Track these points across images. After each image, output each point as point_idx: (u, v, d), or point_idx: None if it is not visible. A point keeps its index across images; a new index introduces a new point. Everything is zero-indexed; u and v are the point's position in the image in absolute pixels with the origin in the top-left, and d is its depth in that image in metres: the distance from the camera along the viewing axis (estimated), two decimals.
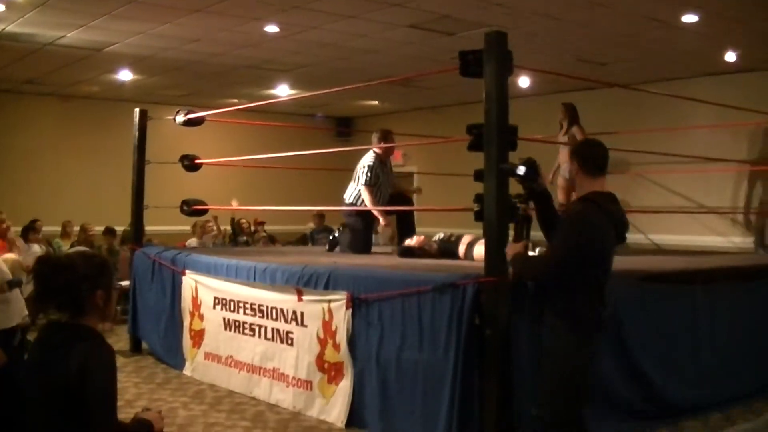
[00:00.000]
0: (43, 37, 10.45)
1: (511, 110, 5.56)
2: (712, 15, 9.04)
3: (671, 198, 12.37)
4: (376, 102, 15.81)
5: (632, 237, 12.30)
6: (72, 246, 12.95)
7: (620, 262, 4.82)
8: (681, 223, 11.92)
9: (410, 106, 16.47)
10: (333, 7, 8.91)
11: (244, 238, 14.10)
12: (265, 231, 14.80)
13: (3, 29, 9.98)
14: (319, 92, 11.21)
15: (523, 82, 12.65)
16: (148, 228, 12.42)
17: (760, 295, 7.36)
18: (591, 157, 4.63)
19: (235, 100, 15.87)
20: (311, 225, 15.23)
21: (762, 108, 10.03)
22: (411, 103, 15.67)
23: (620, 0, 8.57)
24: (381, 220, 8.65)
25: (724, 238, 11.77)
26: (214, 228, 13.89)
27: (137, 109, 9.82)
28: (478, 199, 5.54)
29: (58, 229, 13.68)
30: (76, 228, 13.59)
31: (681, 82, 12.24)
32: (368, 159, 8.78)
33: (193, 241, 13.45)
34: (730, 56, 10.97)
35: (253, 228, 14.73)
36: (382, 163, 8.79)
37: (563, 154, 9.48)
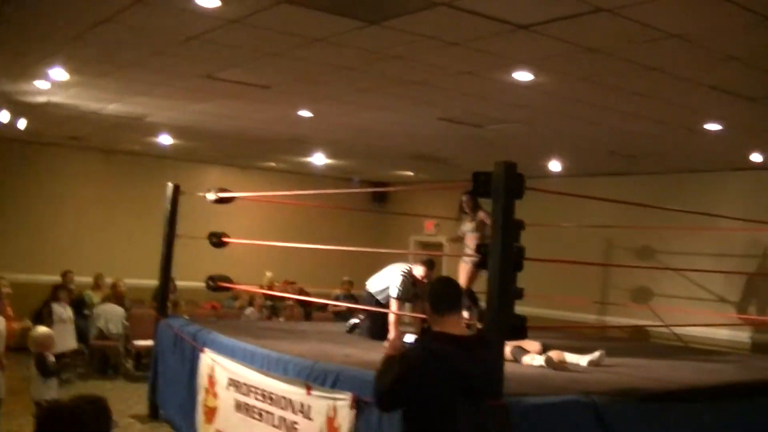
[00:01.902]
0: (86, 107, 10.79)
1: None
2: (735, 125, 9.15)
3: (694, 290, 12.29)
4: (411, 173, 16.04)
5: (654, 330, 12.35)
6: (103, 300, 13.12)
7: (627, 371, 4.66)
8: (702, 316, 11.77)
9: (444, 178, 16.63)
10: (363, 99, 9.12)
11: (270, 302, 14.07)
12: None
13: (48, 101, 10.36)
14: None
15: (554, 165, 12.80)
16: (181, 283, 12.79)
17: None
18: (439, 297, 4.55)
19: (273, 164, 16.18)
20: (337, 291, 15.12)
21: None
22: (444, 175, 15.85)
23: (647, 110, 8.73)
24: (392, 333, 8.76)
25: (744, 333, 11.70)
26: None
27: (170, 184, 10.07)
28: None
29: (91, 279, 13.94)
30: (108, 280, 13.83)
31: (708, 174, 12.35)
32: (403, 272, 8.96)
33: (253, 312, 13.50)
34: (756, 156, 11.01)
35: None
36: (413, 284, 8.97)
37: (470, 239, 9.63)
